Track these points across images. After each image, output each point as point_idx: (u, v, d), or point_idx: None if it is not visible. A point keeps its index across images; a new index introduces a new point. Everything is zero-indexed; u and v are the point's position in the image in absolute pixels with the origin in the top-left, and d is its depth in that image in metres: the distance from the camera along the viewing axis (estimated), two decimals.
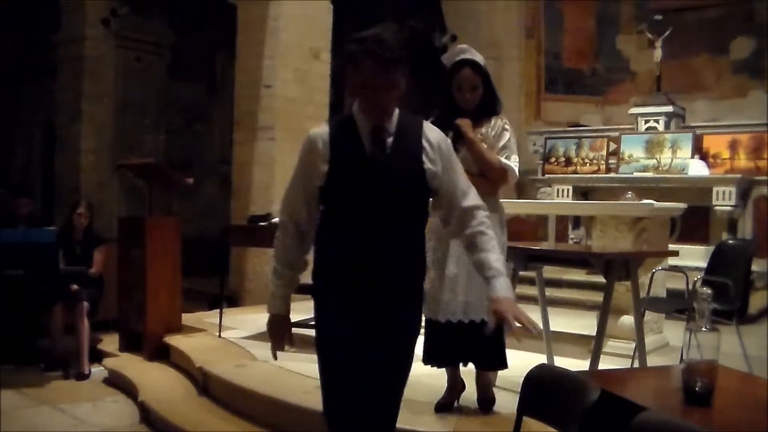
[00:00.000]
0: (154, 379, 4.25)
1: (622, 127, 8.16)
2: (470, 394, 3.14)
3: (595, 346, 3.40)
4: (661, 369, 2.52)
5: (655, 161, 7.51)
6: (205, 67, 10.39)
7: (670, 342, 4.48)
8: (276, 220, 4.63)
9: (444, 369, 3.11)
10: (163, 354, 4.60)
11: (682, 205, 4.80)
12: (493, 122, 3.05)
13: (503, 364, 3.06)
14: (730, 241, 5.41)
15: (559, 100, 9.14)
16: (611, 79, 9.00)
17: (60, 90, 8.93)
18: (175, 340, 4.59)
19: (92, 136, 8.65)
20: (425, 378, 3.15)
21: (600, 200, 6.78)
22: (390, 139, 2.08)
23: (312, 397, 3.30)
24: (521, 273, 3.68)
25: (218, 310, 4.89)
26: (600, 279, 3.58)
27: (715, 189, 6.72)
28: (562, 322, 4.89)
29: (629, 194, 4.83)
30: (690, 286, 4.09)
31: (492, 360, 3.04)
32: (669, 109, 7.70)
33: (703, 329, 1.69)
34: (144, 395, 3.91)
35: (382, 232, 2.05)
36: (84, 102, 8.56)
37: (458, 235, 2.19)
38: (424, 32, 9.19)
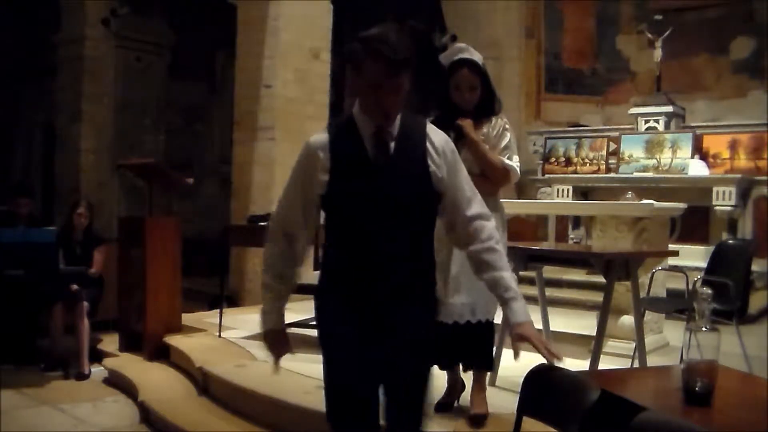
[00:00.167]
0: (154, 379, 4.25)
1: (622, 127, 8.16)
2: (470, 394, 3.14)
3: (595, 346, 3.40)
4: (661, 369, 2.52)
5: (655, 161, 7.51)
6: (205, 67, 10.39)
7: (670, 342, 4.48)
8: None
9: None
10: (163, 354, 4.60)
11: (682, 205, 4.80)
12: (493, 122, 3.02)
13: (490, 366, 3.10)
14: (730, 241, 5.41)
15: (559, 100, 9.14)
16: (611, 79, 9.00)
17: (60, 90, 8.93)
18: (175, 340, 4.59)
19: (92, 136, 8.65)
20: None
21: (600, 200, 6.78)
22: (393, 143, 2.01)
23: (312, 397, 3.31)
24: (521, 273, 3.68)
25: (218, 310, 4.89)
26: (600, 279, 3.59)
27: (715, 189, 6.72)
28: (562, 322, 4.89)
29: (629, 194, 4.83)
30: (690, 286, 4.09)
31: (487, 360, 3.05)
32: (669, 109, 7.70)
33: (703, 329, 1.69)
34: (144, 395, 3.91)
35: (388, 236, 2.00)
36: (84, 102, 8.57)
37: (464, 248, 2.11)
38: (424, 32, 9.19)
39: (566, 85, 9.18)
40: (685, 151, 7.38)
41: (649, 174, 7.34)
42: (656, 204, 4.31)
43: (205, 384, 3.91)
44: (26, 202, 5.26)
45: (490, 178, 2.95)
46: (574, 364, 3.64)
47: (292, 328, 4.48)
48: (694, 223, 6.63)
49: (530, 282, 4.31)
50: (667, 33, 7.88)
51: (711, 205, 6.72)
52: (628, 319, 4.08)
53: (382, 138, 2.00)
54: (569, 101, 9.08)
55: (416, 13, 9.29)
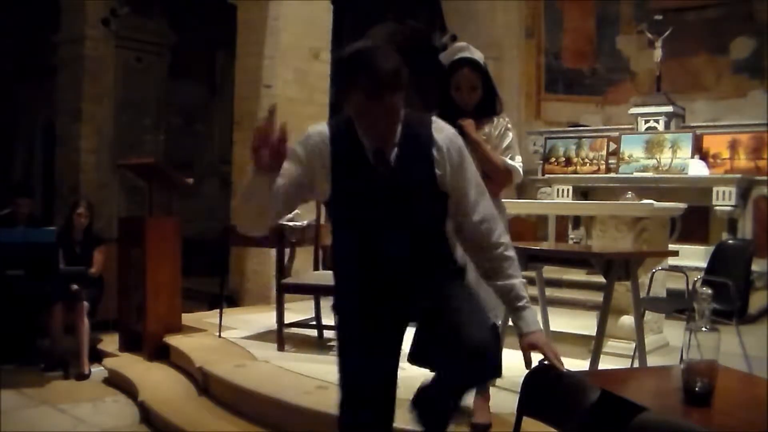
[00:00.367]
0: (154, 379, 4.25)
1: (622, 127, 8.16)
2: (470, 394, 3.13)
3: (595, 346, 3.40)
4: (661, 369, 2.51)
5: (655, 161, 7.51)
6: (205, 67, 10.39)
7: (670, 342, 4.49)
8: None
9: None
10: (163, 354, 4.60)
11: (682, 205, 4.80)
12: (495, 122, 2.98)
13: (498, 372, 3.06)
14: (730, 241, 5.41)
15: (559, 100, 9.15)
16: (611, 79, 9.00)
17: (60, 90, 8.92)
18: (175, 340, 4.60)
19: (92, 136, 8.64)
20: (424, 378, 3.14)
21: (600, 200, 6.78)
22: (396, 148, 1.92)
23: (312, 397, 3.31)
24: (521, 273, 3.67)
25: (218, 310, 4.89)
26: (600, 279, 3.59)
27: (715, 189, 6.72)
28: (562, 322, 4.89)
29: (629, 194, 4.83)
30: (690, 286, 4.09)
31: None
32: (669, 109, 7.70)
33: (703, 329, 1.69)
34: (144, 395, 3.91)
35: (397, 241, 1.93)
36: (84, 102, 8.56)
37: (473, 253, 2.05)
38: (424, 32, 9.19)
39: (566, 85, 9.18)
40: (685, 151, 7.38)
41: (649, 174, 7.34)
42: (656, 204, 4.31)
43: (205, 384, 3.91)
44: (26, 202, 5.26)
45: (493, 179, 2.93)
46: (574, 364, 3.65)
47: (292, 328, 4.49)
48: (694, 223, 6.63)
49: (530, 282, 4.30)
50: (667, 33, 7.88)
51: (711, 205, 6.73)
52: (628, 319, 4.08)
53: (381, 156, 1.91)
54: (569, 101, 9.08)
55: (416, 13, 9.30)
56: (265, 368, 3.90)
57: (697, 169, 7.20)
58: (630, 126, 8.03)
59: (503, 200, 3.14)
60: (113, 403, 4.12)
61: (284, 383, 3.58)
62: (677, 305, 4.11)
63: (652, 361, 3.79)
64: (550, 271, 4.81)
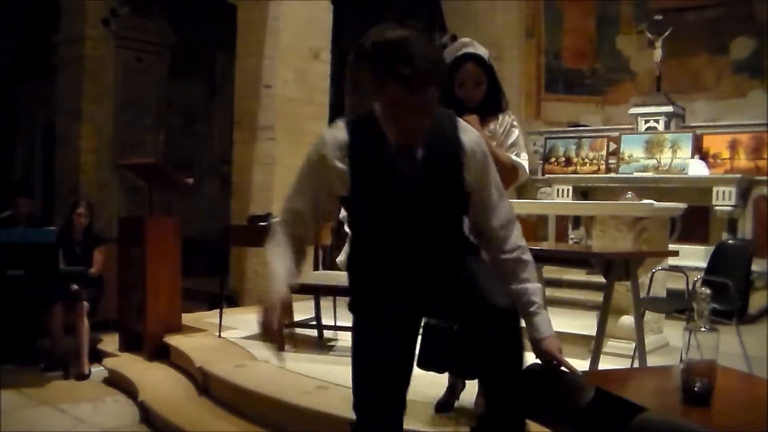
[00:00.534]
0: (154, 379, 4.25)
1: (622, 127, 8.16)
2: (470, 394, 3.13)
3: (595, 346, 3.41)
4: (661, 369, 2.52)
5: (655, 161, 7.51)
6: (205, 67, 10.39)
7: (670, 342, 4.48)
8: (276, 219, 4.64)
9: None
10: (163, 354, 4.60)
11: (682, 205, 4.80)
12: (500, 119, 2.93)
13: None
14: (730, 241, 5.41)
15: (559, 100, 9.15)
16: (611, 79, 9.00)
17: (60, 90, 8.92)
18: (175, 340, 4.60)
19: (92, 136, 8.65)
20: (425, 377, 3.14)
21: (600, 200, 6.78)
22: (421, 150, 1.87)
23: (312, 397, 3.31)
24: None
25: (218, 310, 4.89)
26: (600, 279, 3.58)
27: (715, 189, 6.72)
28: (562, 322, 4.88)
29: (629, 194, 4.83)
30: (690, 286, 4.09)
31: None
32: (669, 109, 7.70)
33: (703, 329, 1.69)
34: (144, 395, 3.91)
35: (417, 239, 1.90)
36: (84, 102, 8.56)
37: (491, 255, 2.02)
38: (424, 32, 9.18)
39: (566, 85, 9.18)
40: (685, 151, 7.38)
41: (649, 174, 7.34)
42: (656, 204, 4.31)
43: (205, 384, 3.91)
44: (26, 202, 5.26)
45: (499, 177, 2.90)
46: (574, 364, 3.64)
47: (293, 329, 4.49)
48: (694, 223, 6.63)
49: None
50: (667, 33, 7.88)
51: (711, 205, 6.73)
52: (628, 319, 4.08)
53: (409, 148, 1.86)
54: (569, 101, 9.08)
55: (416, 13, 9.29)
56: (265, 368, 3.90)
57: (697, 169, 7.20)
58: (630, 126, 8.03)
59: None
60: (113, 403, 4.12)
61: (284, 383, 3.58)
62: (677, 305, 4.11)
63: (652, 361, 3.79)
64: (550, 271, 4.81)
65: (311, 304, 4.62)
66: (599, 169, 8.05)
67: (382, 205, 1.89)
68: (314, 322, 4.58)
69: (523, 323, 1.94)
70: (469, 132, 1.96)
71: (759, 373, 2.81)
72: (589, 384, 1.81)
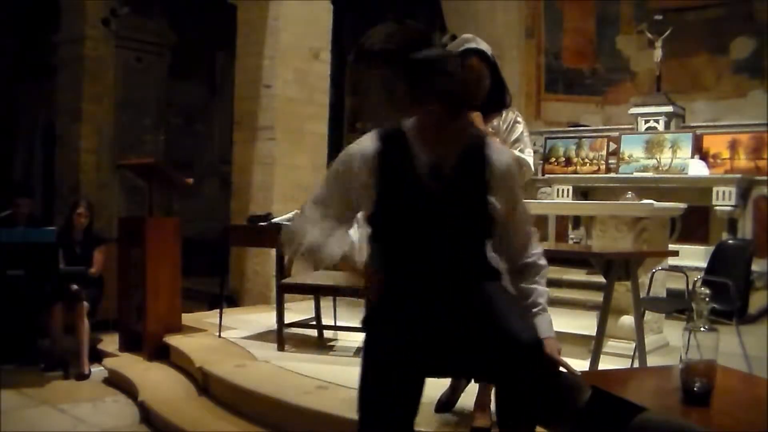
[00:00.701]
0: (154, 379, 4.25)
1: (622, 127, 8.16)
2: (470, 395, 3.12)
3: (595, 346, 3.41)
4: (661, 369, 2.51)
5: (655, 161, 7.51)
6: (205, 67, 10.39)
7: (670, 342, 4.48)
8: (276, 219, 4.64)
9: None
10: (163, 354, 4.60)
11: (682, 205, 4.80)
12: (504, 115, 2.90)
13: None
14: (730, 241, 5.41)
15: (559, 100, 9.15)
16: (611, 79, 9.00)
17: (60, 90, 8.92)
18: (175, 340, 4.60)
19: (92, 136, 8.65)
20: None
21: (600, 200, 6.78)
22: (450, 171, 1.87)
23: (312, 397, 3.31)
24: None
25: (218, 310, 4.89)
26: (600, 279, 3.58)
27: (715, 189, 6.72)
28: (562, 322, 4.87)
29: (629, 194, 4.83)
30: (690, 286, 4.08)
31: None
32: (669, 109, 7.70)
33: (702, 329, 1.69)
34: (144, 395, 3.91)
35: (440, 256, 1.88)
36: (84, 102, 8.56)
37: (506, 260, 2.04)
38: (424, 32, 9.19)
39: (566, 85, 9.18)
40: (685, 151, 7.38)
41: (649, 174, 7.34)
42: (656, 204, 4.31)
43: (205, 384, 3.91)
44: (26, 202, 5.26)
45: None
46: (574, 364, 3.64)
47: (292, 328, 4.49)
48: (694, 223, 6.63)
49: None
50: (667, 33, 7.88)
51: (711, 205, 6.72)
52: (628, 319, 4.08)
53: (438, 167, 1.86)
54: (569, 101, 9.08)
55: (416, 13, 9.30)
56: (265, 368, 3.90)
57: (697, 169, 7.20)
58: (630, 126, 8.02)
59: None
60: (113, 403, 4.12)
61: (284, 383, 3.58)
62: (677, 305, 4.11)
63: (652, 361, 3.79)
64: (550, 271, 4.74)
65: (311, 304, 4.63)
66: (599, 169, 8.05)
67: (406, 221, 1.88)
68: (314, 322, 4.58)
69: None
70: (500, 154, 1.95)
71: (759, 373, 2.81)
72: (587, 384, 1.81)
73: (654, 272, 4.19)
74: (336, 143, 7.36)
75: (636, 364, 3.63)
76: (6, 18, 9.56)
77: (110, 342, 5.05)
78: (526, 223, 2.04)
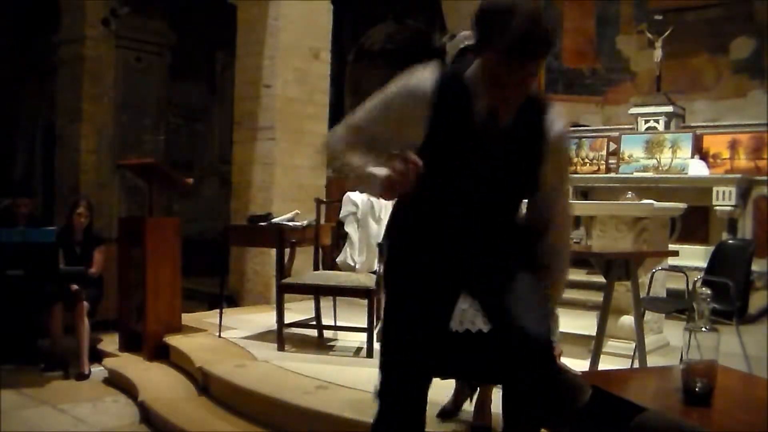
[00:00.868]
0: (154, 379, 4.25)
1: (622, 127, 8.16)
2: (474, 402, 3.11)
3: (595, 346, 3.41)
4: (661, 369, 2.52)
5: (655, 161, 7.51)
6: (205, 67, 10.39)
7: (670, 342, 4.48)
8: (276, 219, 4.64)
9: None
10: (163, 354, 4.60)
11: (682, 205, 4.80)
12: None
13: None
14: (730, 241, 5.41)
15: (559, 100, 9.13)
16: (611, 79, 9.00)
17: (60, 90, 8.92)
18: (175, 340, 4.60)
19: (92, 136, 8.65)
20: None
21: (600, 200, 6.78)
22: (505, 128, 1.76)
23: (312, 397, 3.31)
24: None
25: (218, 310, 4.89)
26: (600, 279, 3.59)
27: (715, 189, 6.72)
28: (562, 322, 4.88)
29: (629, 194, 4.83)
30: (690, 286, 4.09)
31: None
32: (669, 109, 7.70)
33: (703, 329, 1.69)
34: (144, 395, 3.91)
35: (476, 211, 1.81)
36: (84, 102, 8.57)
37: (534, 234, 1.96)
38: (424, 32, 9.19)
39: (566, 85, 9.18)
40: (685, 151, 7.38)
41: (649, 174, 7.34)
42: (656, 204, 4.31)
43: (205, 384, 3.91)
44: (26, 202, 5.26)
45: None
46: (574, 364, 3.64)
47: (292, 328, 4.49)
48: (694, 223, 6.62)
49: None
50: (667, 33, 7.88)
51: (711, 205, 6.72)
52: (628, 319, 4.08)
53: (495, 118, 1.75)
54: (569, 101, 9.06)
55: (416, 13, 9.30)
56: (265, 368, 3.90)
57: (697, 169, 7.19)
58: (630, 126, 8.02)
59: None
60: (113, 403, 4.12)
61: (284, 383, 3.58)
62: (677, 305, 4.11)
63: (652, 361, 3.79)
64: None
65: (311, 304, 4.62)
66: (599, 169, 8.04)
67: (448, 166, 1.79)
68: (314, 322, 4.58)
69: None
70: (559, 123, 1.86)
71: (759, 373, 2.81)
72: (587, 384, 1.81)
73: (654, 272, 4.19)
74: None
75: (636, 364, 3.63)
76: (6, 18, 9.56)
77: (110, 342, 5.05)
78: (563, 207, 1.96)
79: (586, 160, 8.23)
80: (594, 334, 3.52)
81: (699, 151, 7.43)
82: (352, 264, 4.60)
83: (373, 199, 4.65)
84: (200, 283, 6.91)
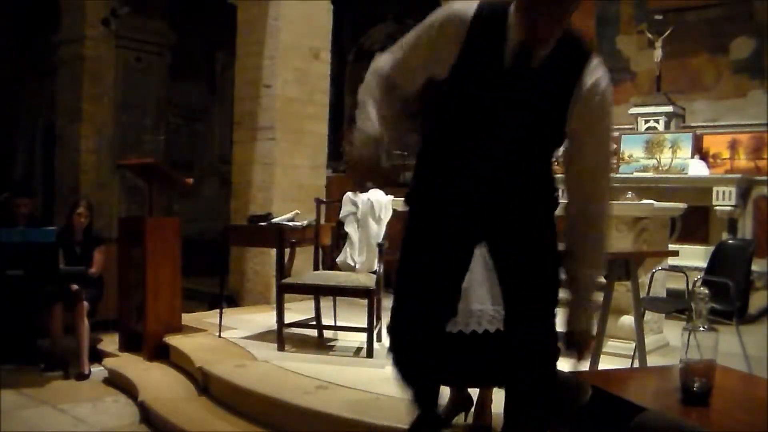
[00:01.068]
0: (154, 379, 4.25)
1: (622, 127, 8.15)
2: (471, 393, 3.11)
3: (595, 346, 3.40)
4: (661, 369, 2.52)
5: (655, 161, 7.51)
6: (205, 67, 10.40)
7: (670, 342, 4.49)
8: (276, 219, 4.64)
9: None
10: (163, 354, 4.60)
11: (682, 205, 4.80)
12: None
13: None
14: (730, 241, 5.41)
15: None
16: (611, 79, 8.97)
17: (60, 90, 8.93)
18: (175, 340, 4.60)
19: (92, 136, 8.66)
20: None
21: None
22: (538, 64, 1.64)
23: (312, 397, 3.31)
24: None
25: (218, 310, 4.89)
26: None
27: (715, 189, 6.72)
28: (560, 322, 4.88)
29: (629, 194, 4.83)
30: (690, 286, 4.09)
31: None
32: (669, 109, 7.71)
33: (701, 329, 1.69)
34: (144, 395, 3.91)
35: (499, 158, 1.70)
36: (84, 102, 8.57)
37: (569, 229, 1.88)
38: None
39: None
40: (685, 151, 7.38)
41: (649, 174, 7.34)
42: (656, 204, 4.31)
43: (205, 384, 3.91)
44: (26, 202, 5.26)
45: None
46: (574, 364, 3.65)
47: (292, 328, 4.49)
48: (694, 223, 6.63)
49: None
50: (667, 33, 7.88)
51: (711, 205, 6.72)
52: (628, 319, 4.08)
53: (525, 54, 1.65)
54: None
55: (416, 13, 9.29)
56: (265, 368, 3.90)
57: (697, 169, 7.20)
58: (630, 126, 8.02)
59: None
60: (113, 403, 4.12)
61: (284, 383, 3.58)
62: (677, 305, 4.12)
63: (652, 361, 3.79)
64: None
65: (311, 304, 4.63)
66: None
67: (470, 107, 1.71)
68: (314, 322, 4.58)
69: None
70: (596, 74, 1.72)
71: (759, 373, 2.81)
72: (587, 384, 1.81)
73: (654, 272, 4.19)
74: (336, 143, 7.36)
75: (636, 364, 3.63)
76: (6, 18, 9.56)
77: (110, 342, 5.05)
78: (600, 172, 1.81)
79: None
80: (594, 334, 3.51)
81: (699, 151, 7.43)
82: (352, 264, 4.60)
83: (373, 199, 4.65)
84: (200, 283, 6.91)
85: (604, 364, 3.57)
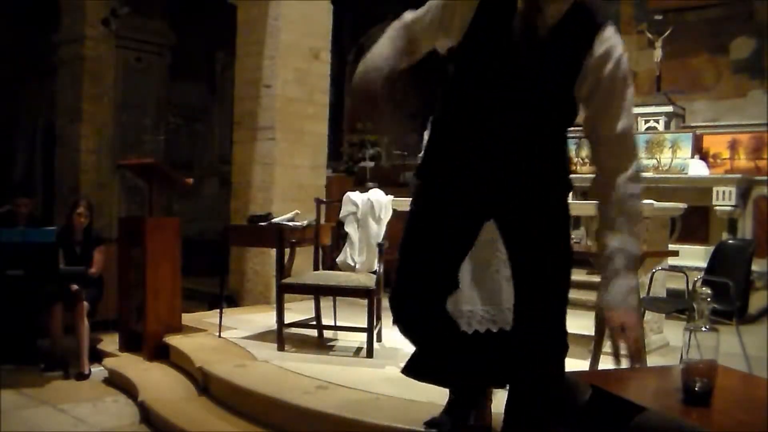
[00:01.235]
0: (154, 379, 4.25)
1: None
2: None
3: (595, 346, 3.41)
4: (661, 369, 2.51)
5: (655, 161, 7.51)
6: (205, 67, 10.40)
7: (670, 342, 4.49)
8: (276, 219, 4.64)
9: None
10: (163, 354, 4.60)
11: (682, 205, 4.80)
12: None
13: None
14: (730, 241, 5.41)
15: None
16: None
17: (60, 90, 8.93)
18: (175, 340, 4.60)
19: (92, 136, 8.66)
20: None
21: None
22: (547, 32, 1.61)
23: (312, 397, 3.31)
24: None
25: (218, 310, 4.89)
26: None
27: (715, 189, 6.73)
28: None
29: None
30: (690, 286, 4.09)
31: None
32: (669, 109, 7.72)
33: (702, 329, 1.69)
34: (144, 395, 3.91)
35: (508, 133, 1.68)
36: (84, 102, 8.57)
37: (596, 189, 1.84)
38: None
39: None
40: (685, 151, 7.39)
41: (649, 174, 7.34)
42: (656, 204, 4.31)
43: (205, 384, 3.91)
44: (26, 202, 5.26)
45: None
46: (574, 364, 3.64)
47: (292, 328, 4.49)
48: (694, 223, 6.63)
49: None
50: (667, 33, 7.89)
51: (711, 205, 6.73)
52: None
53: (530, 24, 1.61)
54: None
55: None
56: (265, 368, 3.90)
57: (697, 169, 7.20)
58: None
59: None
60: (113, 403, 4.12)
61: (284, 383, 3.58)
62: (677, 305, 4.11)
63: (652, 361, 3.79)
64: None
65: (311, 304, 4.63)
66: None
67: (483, 73, 1.68)
68: (314, 322, 4.58)
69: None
70: (607, 42, 1.66)
71: (759, 373, 2.81)
72: (587, 384, 1.81)
73: (654, 272, 4.19)
74: (336, 143, 7.37)
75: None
76: (6, 18, 9.56)
77: (110, 342, 5.05)
78: (623, 143, 1.75)
79: (586, 160, 8.23)
80: (594, 334, 3.52)
81: (699, 151, 7.43)
82: (352, 264, 4.60)
83: (373, 198, 4.66)
84: (200, 283, 6.91)
85: (604, 364, 3.57)
